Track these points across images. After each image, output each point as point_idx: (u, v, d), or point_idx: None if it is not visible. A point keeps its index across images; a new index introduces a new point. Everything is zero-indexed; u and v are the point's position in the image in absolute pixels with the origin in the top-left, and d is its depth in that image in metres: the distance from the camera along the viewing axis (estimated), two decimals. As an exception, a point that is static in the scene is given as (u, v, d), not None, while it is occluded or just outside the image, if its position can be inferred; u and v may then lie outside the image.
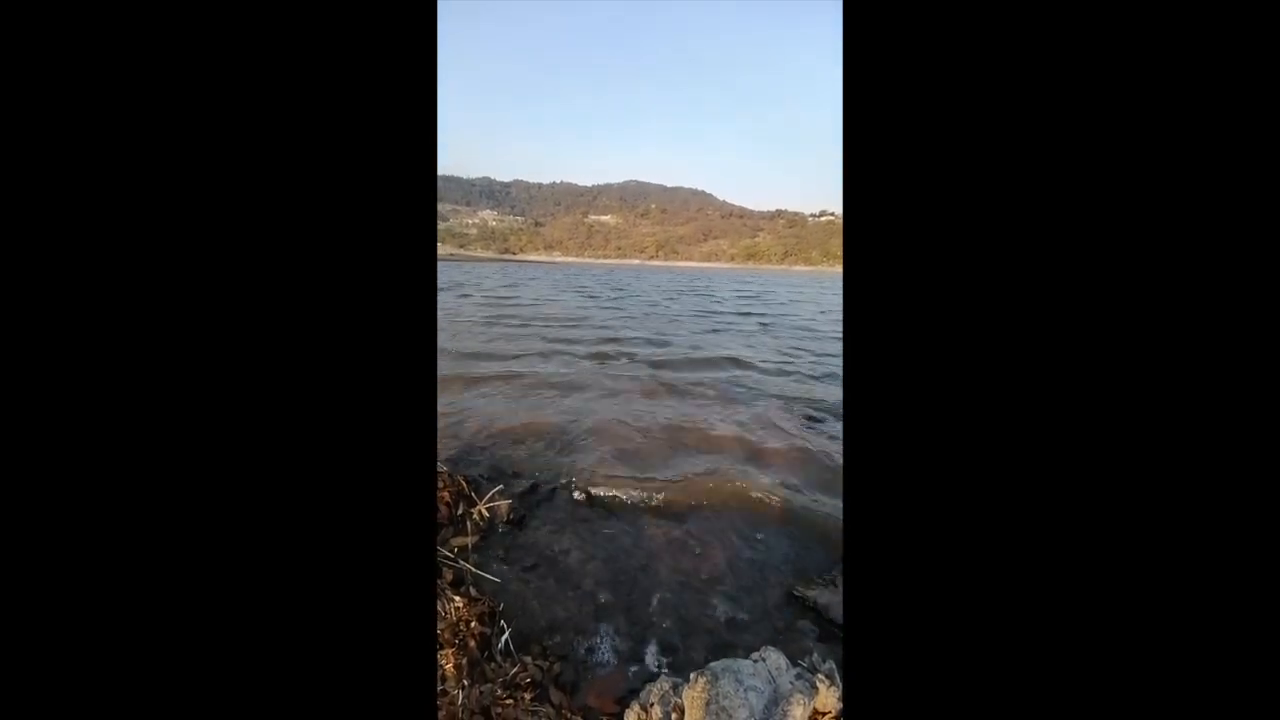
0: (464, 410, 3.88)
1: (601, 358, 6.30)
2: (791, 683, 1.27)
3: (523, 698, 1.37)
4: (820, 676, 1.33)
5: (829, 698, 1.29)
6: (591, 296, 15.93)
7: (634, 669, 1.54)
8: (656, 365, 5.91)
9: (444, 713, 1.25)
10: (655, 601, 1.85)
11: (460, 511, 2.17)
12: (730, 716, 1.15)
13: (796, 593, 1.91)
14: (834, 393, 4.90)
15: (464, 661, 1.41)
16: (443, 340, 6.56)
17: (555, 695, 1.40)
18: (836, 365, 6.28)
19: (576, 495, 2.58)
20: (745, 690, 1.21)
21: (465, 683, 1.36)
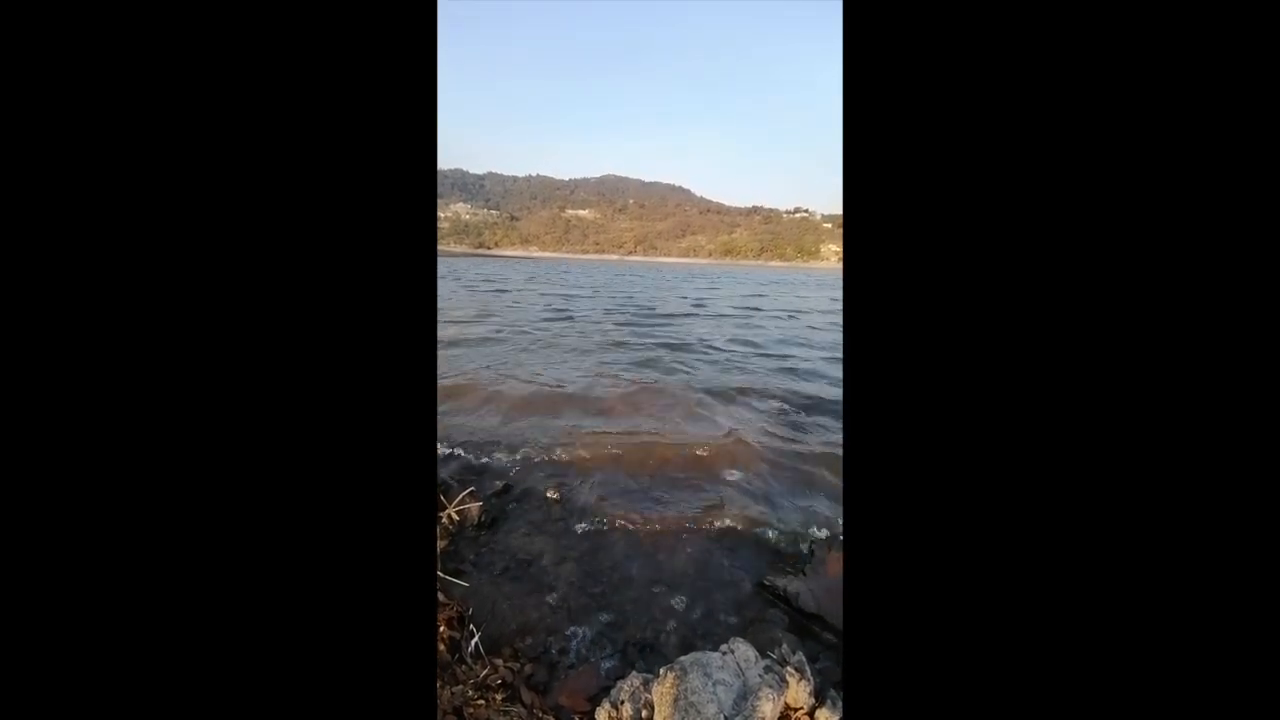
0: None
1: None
2: (760, 676, 1.29)
3: (494, 698, 1.36)
4: (790, 669, 1.35)
5: (800, 692, 1.31)
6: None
7: (607, 665, 1.54)
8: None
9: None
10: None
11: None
12: (699, 712, 1.16)
13: (766, 581, 1.93)
14: None
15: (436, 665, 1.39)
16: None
17: (527, 695, 1.39)
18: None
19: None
20: (714, 684, 1.22)
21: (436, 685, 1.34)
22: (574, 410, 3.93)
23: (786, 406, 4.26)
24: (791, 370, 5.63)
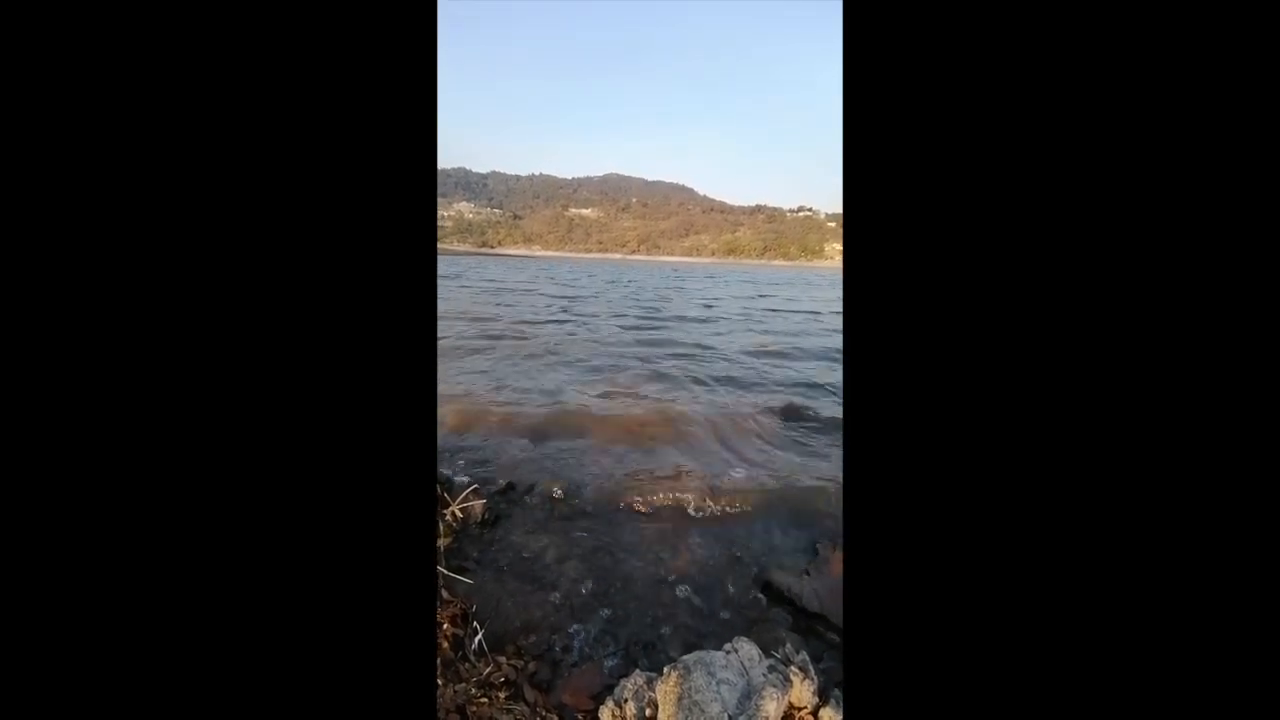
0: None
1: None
2: (764, 675, 1.29)
3: (497, 696, 1.36)
4: (794, 669, 1.35)
5: (804, 691, 1.31)
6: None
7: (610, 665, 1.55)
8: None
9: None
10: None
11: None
12: (703, 711, 1.16)
13: (772, 581, 1.93)
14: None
15: (438, 662, 1.40)
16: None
17: (530, 693, 1.40)
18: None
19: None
20: (717, 683, 1.22)
21: (439, 682, 1.35)
22: (574, 436, 3.44)
23: (820, 436, 3.71)
24: (818, 387, 5.11)
